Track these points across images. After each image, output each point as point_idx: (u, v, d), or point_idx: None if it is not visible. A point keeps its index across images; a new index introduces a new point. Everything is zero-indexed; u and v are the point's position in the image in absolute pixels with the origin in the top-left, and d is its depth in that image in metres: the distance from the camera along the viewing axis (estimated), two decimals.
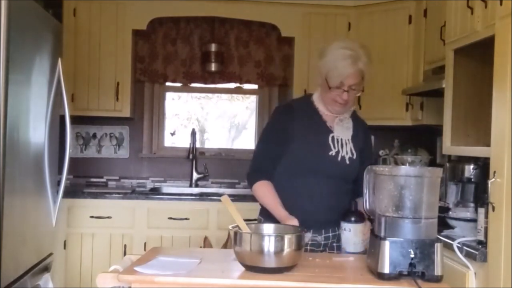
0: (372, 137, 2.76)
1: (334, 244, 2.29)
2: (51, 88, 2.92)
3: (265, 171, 2.29)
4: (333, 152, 2.25)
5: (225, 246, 3.30)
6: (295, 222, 2.07)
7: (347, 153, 2.27)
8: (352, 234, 2.08)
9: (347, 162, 2.27)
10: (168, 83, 4.45)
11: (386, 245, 1.61)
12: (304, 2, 4.01)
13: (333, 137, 2.27)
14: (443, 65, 2.86)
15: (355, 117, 2.40)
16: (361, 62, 2.19)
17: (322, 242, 2.26)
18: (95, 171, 4.33)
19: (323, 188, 2.24)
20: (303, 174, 2.25)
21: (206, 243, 3.49)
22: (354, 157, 2.29)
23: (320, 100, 2.31)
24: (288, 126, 2.27)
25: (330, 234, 2.28)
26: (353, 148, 2.29)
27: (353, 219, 2.11)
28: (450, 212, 2.68)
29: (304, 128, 2.28)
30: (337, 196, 2.26)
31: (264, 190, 2.27)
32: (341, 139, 2.29)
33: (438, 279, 1.61)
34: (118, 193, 3.78)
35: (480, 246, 2.16)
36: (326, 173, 2.25)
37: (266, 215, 2.26)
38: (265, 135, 2.38)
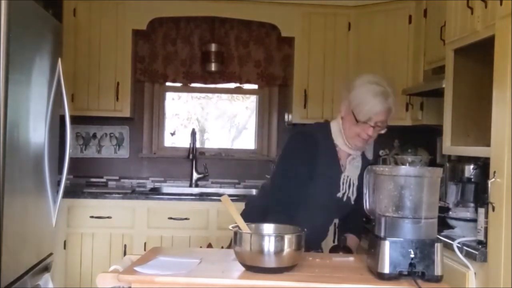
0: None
1: None
2: (51, 88, 2.92)
3: (292, 207, 2.18)
4: (340, 194, 2.26)
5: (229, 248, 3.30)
6: None
7: (353, 194, 2.28)
8: None
9: (352, 202, 2.29)
10: (168, 83, 4.45)
11: (386, 245, 1.61)
12: (304, 2, 4.01)
13: (344, 178, 2.27)
14: (443, 65, 2.86)
15: (364, 155, 2.38)
16: (391, 99, 2.17)
17: None
18: (95, 171, 4.33)
19: (322, 220, 2.30)
20: (302, 204, 2.21)
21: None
22: (356, 195, 2.29)
23: (339, 132, 2.25)
24: (312, 161, 2.20)
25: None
26: (357, 188, 2.28)
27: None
28: (450, 212, 2.68)
29: (321, 165, 2.23)
30: (327, 226, 2.37)
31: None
32: (350, 179, 2.28)
33: (438, 279, 1.61)
34: (118, 193, 3.78)
35: (480, 246, 2.16)
36: (327, 210, 2.28)
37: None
38: (289, 170, 2.24)
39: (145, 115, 4.43)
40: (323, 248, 2.42)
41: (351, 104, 2.18)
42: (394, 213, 1.64)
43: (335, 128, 2.27)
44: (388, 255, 1.61)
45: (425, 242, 1.61)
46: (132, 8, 3.96)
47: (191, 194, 3.89)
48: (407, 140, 4.08)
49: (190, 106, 4.68)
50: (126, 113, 4.01)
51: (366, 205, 1.85)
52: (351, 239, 2.32)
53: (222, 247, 3.35)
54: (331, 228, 2.53)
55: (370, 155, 2.43)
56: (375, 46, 3.97)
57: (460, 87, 2.69)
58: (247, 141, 4.68)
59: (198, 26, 4.34)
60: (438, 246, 1.62)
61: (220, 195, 1.98)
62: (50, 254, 3.03)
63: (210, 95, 4.66)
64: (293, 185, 2.22)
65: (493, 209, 2.05)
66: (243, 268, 1.69)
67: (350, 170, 2.28)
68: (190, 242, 3.69)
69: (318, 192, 2.22)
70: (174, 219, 3.71)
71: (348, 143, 2.24)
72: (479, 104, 2.64)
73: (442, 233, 2.37)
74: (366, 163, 2.32)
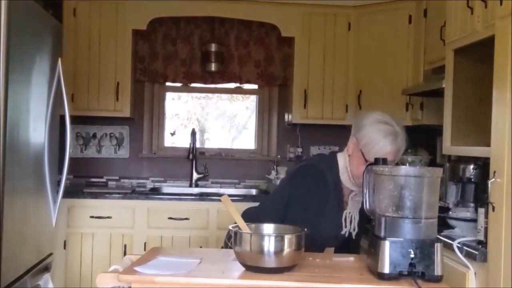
0: None
1: None
2: (51, 88, 2.92)
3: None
4: (343, 231, 2.24)
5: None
6: None
7: (354, 229, 2.25)
8: None
9: (353, 237, 2.26)
10: (168, 83, 4.45)
11: (386, 245, 1.61)
12: (304, 2, 4.01)
13: (346, 215, 2.24)
14: (443, 65, 2.86)
15: None
16: (400, 139, 2.16)
17: None
18: (95, 171, 4.33)
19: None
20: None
21: None
22: (358, 230, 2.27)
23: (345, 169, 2.22)
24: (320, 199, 2.18)
25: None
26: (358, 222, 2.26)
27: None
28: (450, 212, 2.68)
29: (327, 202, 2.19)
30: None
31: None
32: (352, 215, 2.25)
33: (438, 279, 1.61)
34: (118, 193, 3.78)
35: (480, 246, 2.16)
36: (330, 245, 2.23)
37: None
38: (298, 201, 2.20)
39: (145, 115, 4.43)
40: None
41: (360, 143, 2.16)
42: (394, 213, 1.64)
43: (342, 164, 2.23)
44: (388, 255, 1.61)
45: (425, 242, 1.61)
46: (132, 8, 3.96)
47: (191, 194, 3.89)
48: (407, 140, 4.08)
49: (190, 106, 4.68)
50: (126, 113, 4.01)
51: (366, 205, 1.85)
52: None
53: (222, 247, 3.36)
54: None
55: None
56: (375, 46, 3.97)
57: (460, 87, 2.69)
58: (247, 141, 4.68)
59: (198, 26, 4.34)
60: (438, 246, 1.62)
61: (220, 195, 1.98)
62: (50, 254, 3.03)
63: (210, 95, 4.66)
64: (299, 220, 2.08)
65: (493, 209, 2.05)
66: (243, 268, 1.69)
67: (352, 206, 2.25)
68: (190, 242, 3.69)
69: (321, 230, 2.11)
70: (174, 219, 3.71)
71: (354, 180, 2.21)
72: (479, 104, 2.64)
73: (442, 233, 2.37)
74: None
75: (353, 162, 2.19)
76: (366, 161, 2.12)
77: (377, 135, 2.13)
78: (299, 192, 2.21)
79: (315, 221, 2.11)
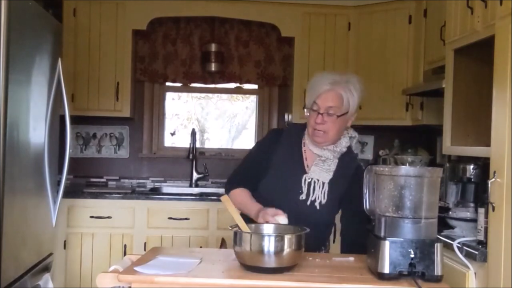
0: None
1: None
2: (51, 88, 2.92)
3: (243, 184, 2.21)
4: (303, 196, 2.15)
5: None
6: (269, 214, 1.97)
7: (317, 198, 2.14)
8: None
9: (317, 207, 2.14)
10: (168, 83, 4.45)
11: (386, 245, 1.61)
12: (304, 2, 4.01)
13: (305, 179, 2.15)
14: (443, 65, 2.86)
15: (347, 160, 2.22)
16: (342, 86, 2.09)
17: None
18: (95, 171, 4.33)
19: (306, 215, 2.11)
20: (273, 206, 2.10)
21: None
22: (326, 201, 2.15)
23: (308, 135, 2.21)
24: (270, 151, 2.21)
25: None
26: (329, 192, 2.15)
27: None
28: (450, 212, 2.68)
29: (281, 163, 2.19)
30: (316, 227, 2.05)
31: (237, 195, 2.18)
32: (314, 182, 2.15)
33: (438, 279, 1.61)
34: (118, 193, 3.78)
35: (480, 246, 2.16)
36: (293, 215, 2.05)
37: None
38: (251, 153, 2.31)
39: (145, 115, 4.43)
40: None
41: (305, 95, 2.21)
42: (394, 213, 1.64)
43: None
44: (388, 255, 1.61)
45: (425, 242, 1.61)
46: (132, 8, 3.96)
47: (191, 194, 3.89)
48: (407, 140, 4.08)
49: (190, 106, 4.68)
50: (126, 113, 4.01)
51: (366, 205, 1.85)
52: None
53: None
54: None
55: (352, 164, 2.24)
56: (375, 46, 3.97)
57: (460, 87, 2.69)
58: (247, 141, 4.68)
59: (198, 26, 4.34)
60: (438, 246, 1.62)
61: (220, 195, 1.98)
62: (50, 254, 3.03)
63: (210, 95, 4.66)
64: (255, 166, 2.22)
65: (493, 209, 2.05)
66: (243, 268, 1.69)
67: (316, 172, 2.15)
68: (190, 242, 3.69)
69: (277, 188, 2.16)
70: (174, 219, 3.71)
71: (310, 138, 2.18)
72: (479, 104, 2.64)
73: (442, 233, 2.37)
74: (350, 170, 2.21)
75: (307, 120, 2.19)
76: (305, 109, 2.16)
77: (314, 81, 2.16)
78: (253, 149, 2.33)
79: (270, 177, 2.17)
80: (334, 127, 2.11)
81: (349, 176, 2.20)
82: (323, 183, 2.16)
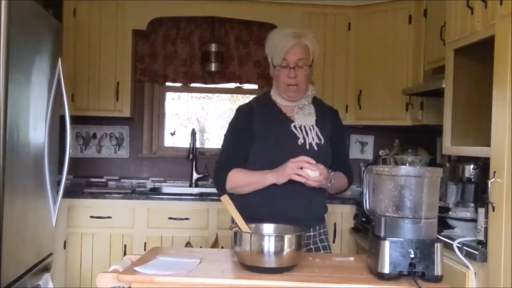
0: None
1: (319, 244, 2.25)
2: (51, 88, 2.92)
3: (231, 165, 2.20)
4: (301, 140, 2.19)
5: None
6: (270, 174, 2.07)
7: (313, 139, 2.20)
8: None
9: (315, 148, 2.19)
10: (168, 83, 4.45)
11: (386, 245, 1.61)
12: (304, 2, 4.01)
13: (295, 126, 2.21)
14: (443, 65, 2.86)
15: (319, 103, 2.33)
16: (305, 38, 2.17)
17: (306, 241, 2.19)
18: (95, 171, 4.33)
19: (295, 183, 2.07)
20: (273, 168, 2.12)
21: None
22: (322, 142, 2.21)
23: (277, 92, 2.27)
24: (247, 124, 2.23)
25: (311, 234, 2.24)
26: (320, 133, 2.22)
27: None
28: (450, 212, 2.68)
29: (264, 123, 2.23)
30: (314, 190, 2.12)
31: (236, 176, 2.18)
32: (304, 126, 2.22)
33: (438, 279, 1.61)
34: (118, 193, 3.78)
35: (480, 246, 2.16)
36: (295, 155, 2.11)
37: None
38: (226, 137, 2.31)
39: (145, 115, 4.43)
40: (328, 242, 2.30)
41: (269, 56, 2.23)
42: (394, 213, 1.64)
43: (273, 91, 2.30)
44: (388, 255, 1.61)
45: (425, 242, 1.61)
46: (132, 8, 3.96)
47: (191, 194, 3.89)
48: (407, 140, 4.08)
49: (190, 106, 4.68)
50: (126, 113, 4.01)
51: (366, 205, 1.85)
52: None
53: (222, 247, 3.36)
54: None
55: (324, 106, 2.35)
56: (375, 46, 3.97)
57: (460, 87, 2.69)
58: None
59: (198, 26, 4.34)
60: (438, 246, 1.62)
61: (220, 195, 1.98)
62: (50, 254, 3.03)
63: (210, 95, 4.66)
64: (236, 144, 2.23)
65: (493, 209, 2.05)
66: (243, 268, 1.69)
67: (301, 119, 2.23)
68: (190, 242, 3.68)
69: (272, 147, 2.19)
70: (174, 219, 3.71)
71: (283, 95, 2.24)
72: (479, 104, 2.64)
73: (442, 233, 2.37)
74: (326, 111, 2.32)
75: (275, 80, 2.25)
76: (275, 68, 2.20)
77: (277, 38, 2.19)
78: (227, 133, 2.31)
79: (260, 141, 2.19)
80: (305, 78, 2.21)
81: (328, 118, 2.30)
82: (312, 126, 2.23)
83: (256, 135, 2.21)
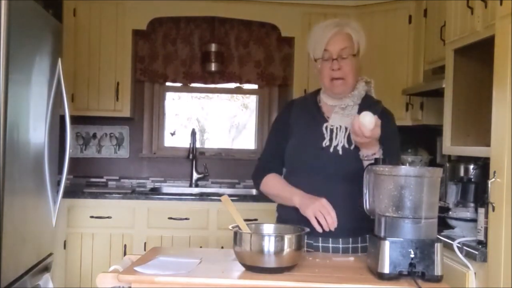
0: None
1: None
2: (51, 88, 2.92)
3: (269, 168, 2.14)
4: (326, 142, 2.02)
5: None
6: (297, 197, 1.95)
7: (341, 142, 2.01)
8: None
9: (340, 152, 2.00)
10: (168, 83, 4.45)
11: (386, 245, 1.61)
12: (304, 2, 4.01)
13: (326, 127, 2.05)
14: (443, 65, 2.86)
15: (370, 105, 2.06)
16: (348, 26, 2.02)
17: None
18: (95, 171, 4.33)
19: (318, 186, 1.99)
20: (296, 170, 2.08)
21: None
22: (352, 147, 1.99)
23: (324, 90, 2.12)
24: (286, 119, 2.15)
25: (341, 246, 2.04)
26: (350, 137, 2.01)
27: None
28: (450, 212, 2.68)
29: (299, 121, 2.12)
30: (340, 197, 1.96)
31: (270, 183, 2.11)
32: (336, 128, 2.03)
33: (438, 279, 1.61)
34: (118, 193, 3.78)
35: (480, 246, 2.16)
36: (318, 168, 2.02)
37: (281, 210, 2.15)
38: (269, 133, 2.28)
39: (145, 115, 4.43)
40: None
41: (311, 51, 2.06)
42: (394, 213, 1.64)
43: (323, 88, 2.14)
44: (388, 255, 1.61)
45: (425, 242, 1.61)
46: (132, 8, 3.96)
47: (191, 194, 3.89)
48: (407, 140, 4.07)
49: (190, 106, 4.68)
50: (126, 113, 4.01)
51: (366, 205, 1.85)
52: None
53: (222, 247, 3.36)
54: None
55: (375, 108, 2.08)
56: (375, 46, 3.96)
57: (460, 87, 2.69)
58: (247, 141, 4.68)
59: (198, 26, 4.34)
60: (438, 246, 1.62)
61: (220, 195, 1.98)
62: (50, 254, 3.03)
63: (210, 95, 4.66)
64: (274, 142, 2.16)
65: (493, 209, 2.05)
66: (243, 268, 1.69)
67: (336, 119, 2.05)
68: (190, 242, 3.69)
69: (299, 144, 2.08)
70: (174, 219, 3.71)
71: (327, 92, 2.09)
72: (479, 104, 2.64)
73: (442, 233, 2.38)
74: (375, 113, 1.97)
75: (318, 75, 2.08)
76: (316, 61, 2.04)
77: (317, 31, 2.04)
78: (270, 129, 2.26)
79: (292, 139, 2.10)
80: (351, 70, 2.03)
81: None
82: (346, 128, 2.03)
83: (291, 133, 2.12)
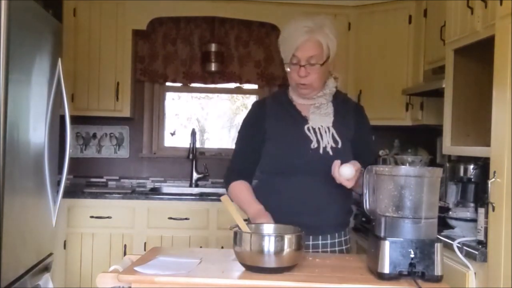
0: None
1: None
2: (51, 88, 2.92)
3: (241, 171, 2.15)
4: (314, 144, 2.03)
5: None
6: (266, 219, 1.95)
7: (328, 143, 2.03)
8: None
9: (330, 153, 2.02)
10: (168, 83, 4.45)
11: (386, 245, 1.61)
12: (304, 2, 4.01)
13: (309, 128, 2.05)
14: (443, 65, 2.86)
15: (342, 100, 2.15)
16: (320, 33, 1.99)
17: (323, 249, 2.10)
18: (95, 171, 4.33)
19: (309, 186, 2.03)
20: (283, 172, 2.07)
21: None
22: (339, 145, 2.03)
23: (292, 90, 2.13)
24: (259, 121, 2.12)
25: (328, 242, 2.12)
26: (337, 136, 2.05)
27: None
28: (450, 212, 2.68)
29: (276, 123, 2.10)
30: (329, 196, 2.04)
31: (237, 190, 2.13)
32: (319, 129, 2.05)
33: (438, 279, 1.61)
34: (118, 193, 3.78)
35: (480, 246, 2.16)
36: (308, 169, 2.03)
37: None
38: (239, 134, 2.24)
39: (145, 115, 4.43)
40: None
41: (281, 51, 2.07)
42: (394, 213, 1.64)
43: (291, 86, 2.15)
44: (388, 255, 1.61)
45: (425, 242, 1.61)
46: (132, 8, 3.96)
47: (191, 194, 3.89)
48: (407, 140, 4.08)
49: (190, 106, 4.68)
50: (126, 113, 4.01)
51: (366, 205, 1.85)
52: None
53: (222, 247, 3.36)
54: None
55: (348, 103, 2.16)
56: (375, 46, 3.97)
57: (460, 87, 2.69)
58: None
59: (198, 26, 4.34)
60: (438, 246, 1.62)
61: (220, 195, 1.98)
62: (50, 254, 3.03)
63: (210, 95, 4.66)
64: (247, 143, 2.15)
65: (493, 209, 2.05)
66: (243, 268, 1.69)
67: (316, 120, 2.06)
68: (190, 242, 3.69)
69: (282, 149, 2.06)
70: (174, 219, 3.71)
71: (297, 91, 2.09)
72: (479, 104, 2.64)
73: (442, 233, 2.37)
74: (348, 109, 2.14)
75: (288, 77, 2.09)
76: (284, 64, 2.04)
77: (288, 33, 2.02)
78: (240, 130, 2.24)
79: (271, 142, 2.09)
80: (318, 77, 2.04)
81: (350, 116, 2.13)
82: (328, 128, 2.06)
83: (268, 135, 2.10)
